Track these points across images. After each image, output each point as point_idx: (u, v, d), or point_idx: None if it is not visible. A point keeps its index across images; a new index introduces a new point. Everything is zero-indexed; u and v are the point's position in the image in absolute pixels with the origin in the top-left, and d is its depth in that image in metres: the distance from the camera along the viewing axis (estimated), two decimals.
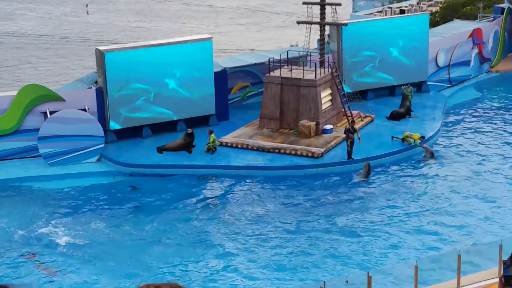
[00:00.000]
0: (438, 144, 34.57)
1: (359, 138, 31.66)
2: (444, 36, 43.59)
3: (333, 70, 35.63)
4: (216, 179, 31.10)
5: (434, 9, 55.32)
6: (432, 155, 32.69)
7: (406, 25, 40.21)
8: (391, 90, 40.92)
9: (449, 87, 43.33)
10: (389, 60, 39.88)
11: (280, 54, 35.92)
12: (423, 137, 33.68)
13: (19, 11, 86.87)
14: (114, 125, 33.70)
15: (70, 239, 25.79)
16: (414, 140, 33.05)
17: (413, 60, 40.44)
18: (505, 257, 19.42)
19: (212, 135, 32.77)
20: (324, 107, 34.76)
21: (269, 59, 35.80)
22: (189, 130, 33.07)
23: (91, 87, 34.34)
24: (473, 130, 36.71)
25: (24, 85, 33.80)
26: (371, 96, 40.13)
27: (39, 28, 75.68)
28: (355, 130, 31.86)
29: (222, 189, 30.27)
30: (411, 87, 37.98)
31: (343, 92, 35.60)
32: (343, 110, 35.66)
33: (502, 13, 48.48)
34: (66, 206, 28.79)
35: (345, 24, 36.67)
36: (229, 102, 37.60)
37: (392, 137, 33.76)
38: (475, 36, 44.77)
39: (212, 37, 36.18)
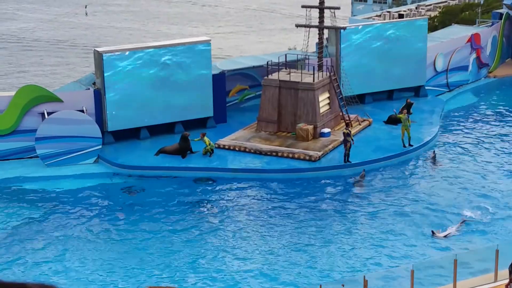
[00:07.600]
0: (436, 148, 34.58)
1: (352, 141, 31.68)
2: (443, 41, 43.64)
3: (331, 73, 35.65)
4: (213, 181, 31.08)
5: (432, 13, 55.41)
6: (434, 160, 32.84)
7: (405, 30, 40.24)
8: (389, 94, 40.96)
9: (447, 92, 43.37)
10: (387, 65, 39.88)
11: (279, 57, 35.95)
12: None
13: (19, 12, 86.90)
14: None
15: (66, 241, 25.81)
16: (405, 122, 33.27)
17: (411, 65, 40.48)
18: (503, 263, 19.46)
19: (205, 137, 32.62)
20: (322, 110, 34.78)
21: (267, 62, 35.82)
22: (186, 134, 32.97)
23: (89, 88, 34.34)
24: (470, 135, 36.74)
25: (22, 86, 33.81)
26: (369, 100, 40.18)
27: (38, 29, 75.67)
28: (349, 135, 31.81)
29: (218, 192, 30.24)
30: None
31: (341, 96, 35.63)
32: (341, 113, 35.68)
33: (501, 19, 48.57)
34: (63, 208, 28.75)
35: (344, 28, 36.71)
36: (227, 104, 37.63)
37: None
38: (473, 41, 44.84)
39: (210, 39, 36.20)
